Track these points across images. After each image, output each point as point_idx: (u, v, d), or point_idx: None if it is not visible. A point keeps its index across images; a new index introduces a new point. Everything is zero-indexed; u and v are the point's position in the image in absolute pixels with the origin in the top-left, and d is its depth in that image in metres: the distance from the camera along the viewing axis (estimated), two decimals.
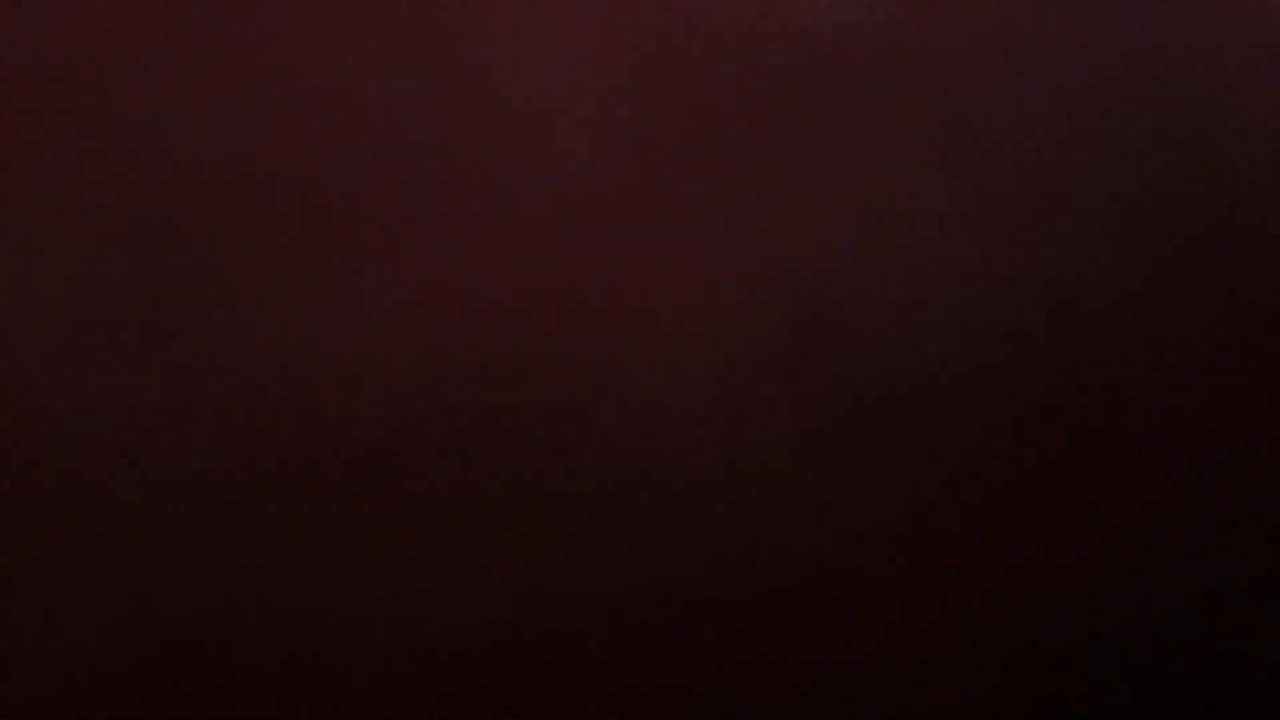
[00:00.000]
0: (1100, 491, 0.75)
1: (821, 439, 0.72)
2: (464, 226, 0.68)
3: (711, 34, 0.72)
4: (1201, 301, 0.77)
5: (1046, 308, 0.75)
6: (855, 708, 0.71)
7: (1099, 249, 0.76)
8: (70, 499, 0.63)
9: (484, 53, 0.69)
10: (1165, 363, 0.76)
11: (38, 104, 0.63)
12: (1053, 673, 0.74)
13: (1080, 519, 0.75)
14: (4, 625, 0.62)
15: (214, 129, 0.65)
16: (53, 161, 0.63)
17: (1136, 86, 0.77)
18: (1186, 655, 0.76)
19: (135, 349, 0.64)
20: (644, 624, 0.69)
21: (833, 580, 0.71)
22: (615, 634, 0.69)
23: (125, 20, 0.65)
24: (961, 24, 0.75)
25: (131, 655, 0.64)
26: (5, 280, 0.62)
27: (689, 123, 0.71)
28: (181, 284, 0.65)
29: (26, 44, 0.63)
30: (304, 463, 0.66)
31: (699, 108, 0.72)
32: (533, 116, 0.69)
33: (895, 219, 0.74)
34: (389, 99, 0.68)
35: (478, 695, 0.67)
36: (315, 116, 0.66)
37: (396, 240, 0.67)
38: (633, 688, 0.69)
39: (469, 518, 0.67)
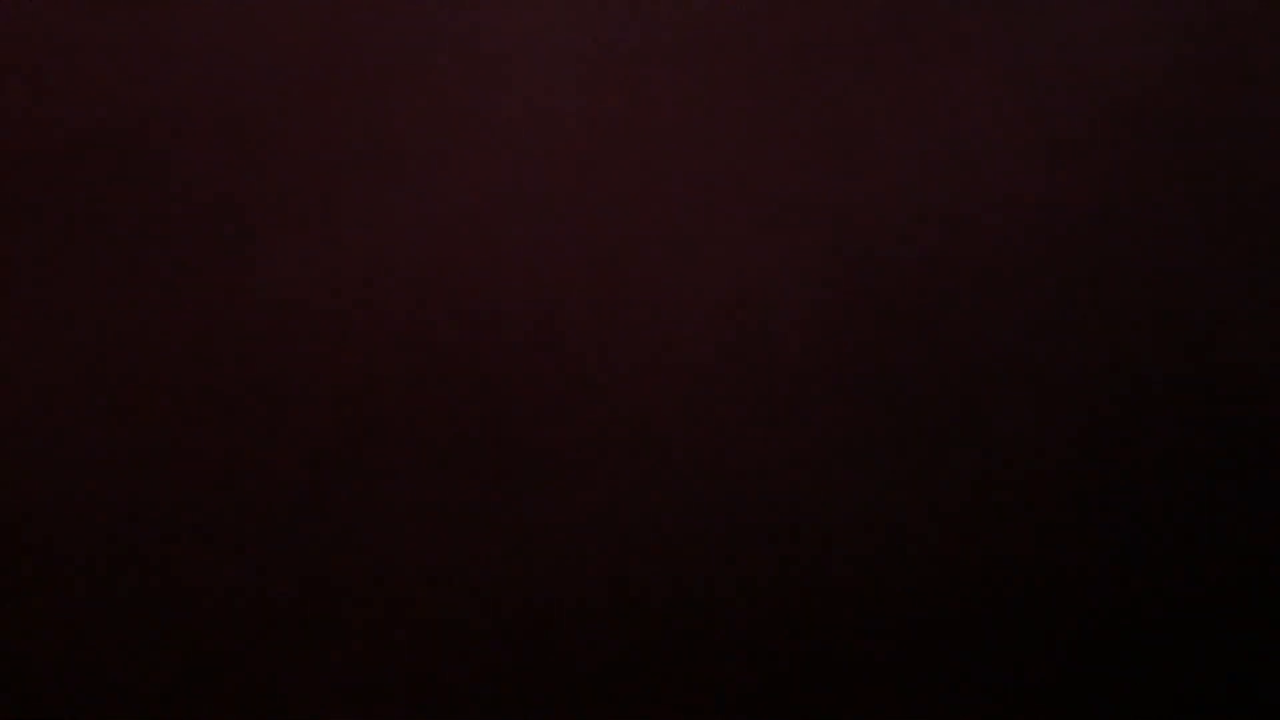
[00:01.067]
0: (1223, 488, 0.70)
1: (881, 445, 0.67)
2: (416, 184, 0.64)
3: None
4: None
5: (1156, 274, 0.68)
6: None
7: (1209, 209, 0.69)
8: None
9: None
10: None
11: None
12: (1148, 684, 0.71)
13: (1215, 520, 0.70)
14: None
15: (135, 60, 0.63)
16: None
17: (1271, 21, 0.70)
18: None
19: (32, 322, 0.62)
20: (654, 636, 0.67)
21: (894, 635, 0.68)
22: (623, 644, 0.67)
23: None
24: None
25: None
26: None
27: (706, 48, 0.65)
28: (89, 240, 0.63)
29: None
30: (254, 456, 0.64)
31: (719, 29, 0.65)
32: (504, 46, 0.64)
33: (968, 166, 0.67)
34: (331, 33, 0.64)
35: (463, 698, 0.66)
36: (240, 57, 0.63)
37: (333, 196, 0.64)
38: (636, 694, 0.67)
39: (444, 522, 0.66)
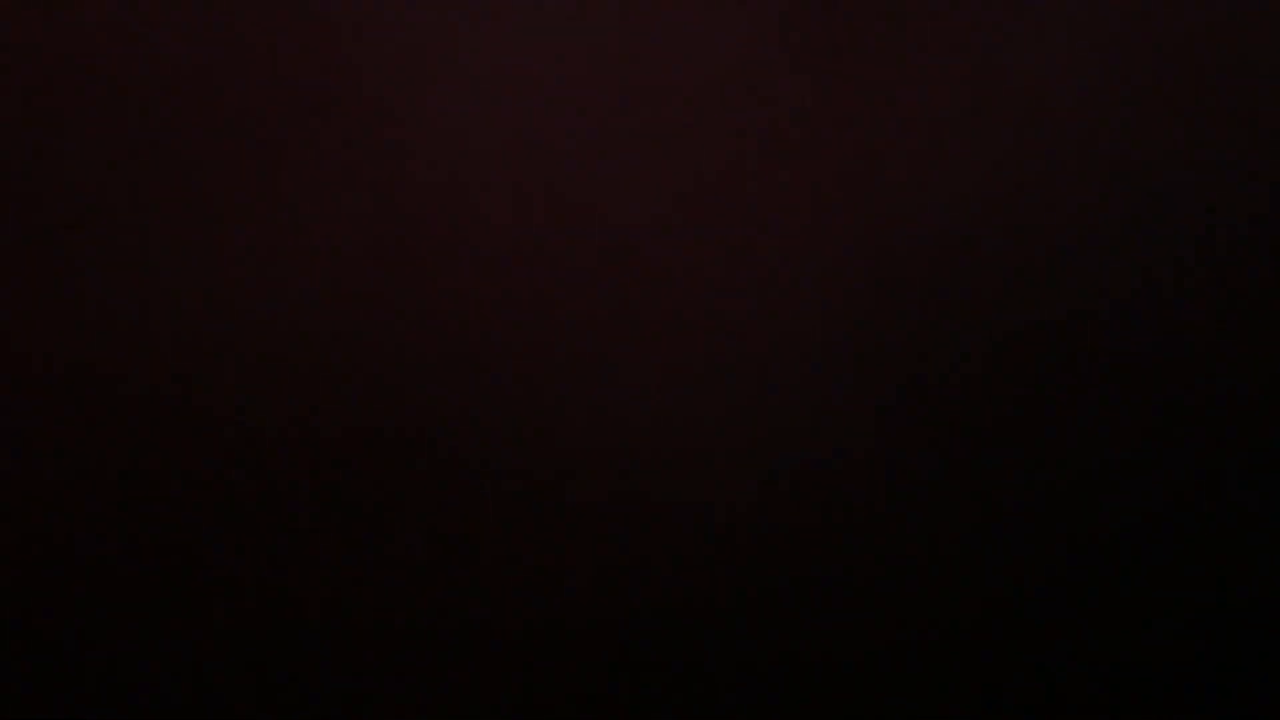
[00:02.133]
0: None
1: (901, 436, 0.64)
2: (395, 123, 0.61)
3: None
4: None
5: (1181, 262, 0.64)
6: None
7: (1224, 190, 0.65)
8: None
9: None
10: None
11: None
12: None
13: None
14: None
15: None
16: None
17: None
18: None
19: None
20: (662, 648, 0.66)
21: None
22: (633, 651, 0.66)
23: None
24: None
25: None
26: None
27: (727, 34, 0.60)
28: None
29: None
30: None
31: (745, 10, 0.60)
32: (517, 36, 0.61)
33: (990, 155, 0.62)
34: (329, 35, 0.62)
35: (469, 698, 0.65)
36: None
37: (330, 197, 0.62)
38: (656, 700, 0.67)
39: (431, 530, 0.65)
